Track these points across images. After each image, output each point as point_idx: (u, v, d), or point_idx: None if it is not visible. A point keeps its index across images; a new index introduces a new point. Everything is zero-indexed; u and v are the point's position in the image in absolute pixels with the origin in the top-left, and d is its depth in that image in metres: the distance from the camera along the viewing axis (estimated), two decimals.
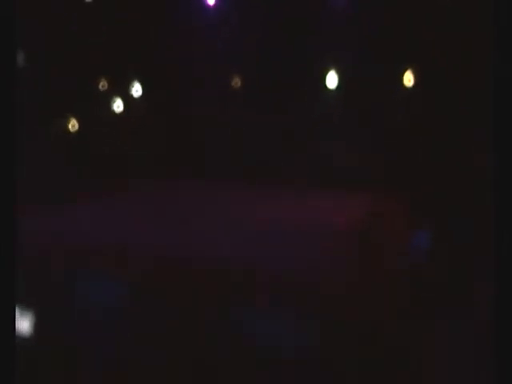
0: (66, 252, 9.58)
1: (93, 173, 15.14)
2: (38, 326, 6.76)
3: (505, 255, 4.07)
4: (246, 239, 10.52)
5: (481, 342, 5.87)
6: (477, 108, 11.06)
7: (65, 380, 6.56)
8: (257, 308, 7.44)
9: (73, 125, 16.18)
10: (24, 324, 6.66)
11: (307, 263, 8.52)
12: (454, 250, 8.76)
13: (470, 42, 11.74)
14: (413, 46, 13.08)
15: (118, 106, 16.23)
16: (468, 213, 9.55)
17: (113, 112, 16.25)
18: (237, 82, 15.70)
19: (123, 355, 6.87)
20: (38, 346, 6.89)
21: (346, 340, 6.73)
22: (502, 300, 4.05)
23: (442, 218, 10.09)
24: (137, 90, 16.10)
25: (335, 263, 8.51)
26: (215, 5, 14.93)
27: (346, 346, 6.65)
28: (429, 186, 11.91)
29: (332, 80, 14.21)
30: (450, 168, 12.18)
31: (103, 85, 16.37)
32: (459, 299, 7.33)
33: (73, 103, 15.78)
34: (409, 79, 13.64)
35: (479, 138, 9.83)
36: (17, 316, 6.28)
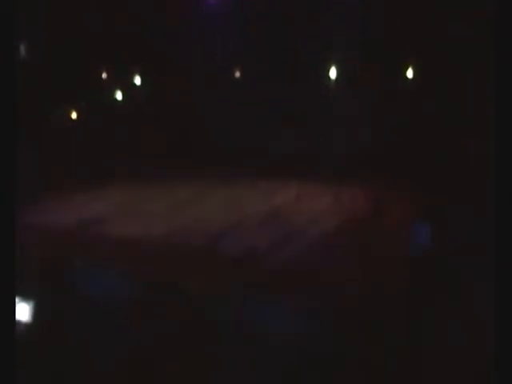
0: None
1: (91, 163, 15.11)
2: (37, 315, 6.77)
3: (505, 246, 4.07)
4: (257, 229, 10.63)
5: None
6: (477, 100, 11.00)
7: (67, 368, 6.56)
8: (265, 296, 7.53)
9: (75, 114, 16.18)
10: (23, 313, 6.68)
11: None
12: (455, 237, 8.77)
13: (470, 36, 11.68)
14: (413, 39, 13.06)
15: (119, 95, 16.21)
16: (468, 202, 9.54)
17: (115, 101, 16.22)
18: (237, 73, 15.71)
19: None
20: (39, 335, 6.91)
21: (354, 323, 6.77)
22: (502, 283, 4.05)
23: (444, 207, 10.07)
24: (137, 80, 16.07)
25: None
26: None
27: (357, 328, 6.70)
28: (432, 176, 11.89)
29: (333, 72, 14.16)
30: (451, 159, 12.14)
31: (107, 75, 16.38)
32: (460, 287, 7.35)
33: (75, 93, 15.75)
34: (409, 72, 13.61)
35: (480, 131, 9.81)
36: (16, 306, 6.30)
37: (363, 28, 13.32)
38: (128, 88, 15.87)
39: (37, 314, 6.64)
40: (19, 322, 6.25)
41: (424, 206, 10.85)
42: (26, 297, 6.59)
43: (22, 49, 14.97)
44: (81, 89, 15.39)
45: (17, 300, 6.14)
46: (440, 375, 5.80)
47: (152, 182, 14.95)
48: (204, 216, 11.75)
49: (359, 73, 14.02)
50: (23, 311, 6.60)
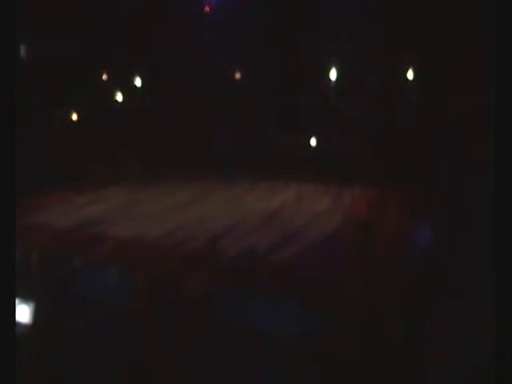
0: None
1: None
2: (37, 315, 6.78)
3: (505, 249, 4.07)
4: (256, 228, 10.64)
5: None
6: (478, 103, 10.99)
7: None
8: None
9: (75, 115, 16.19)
10: (23, 315, 6.68)
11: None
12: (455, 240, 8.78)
13: (470, 36, 11.69)
14: (413, 39, 13.07)
15: (119, 96, 16.23)
16: (468, 206, 9.55)
17: (116, 102, 16.22)
18: (237, 74, 15.72)
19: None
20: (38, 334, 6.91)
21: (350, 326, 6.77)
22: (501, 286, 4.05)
23: (442, 211, 10.08)
24: (138, 81, 16.08)
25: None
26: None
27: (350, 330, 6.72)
28: (432, 176, 11.88)
29: (333, 73, 14.18)
30: (452, 160, 12.14)
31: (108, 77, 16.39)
32: (459, 290, 7.36)
33: (76, 93, 15.76)
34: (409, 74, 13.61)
35: (480, 131, 9.82)
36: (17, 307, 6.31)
37: (363, 28, 13.33)
38: (128, 89, 15.89)
39: (37, 314, 6.64)
40: (19, 323, 6.25)
41: (424, 206, 10.85)
42: (25, 297, 6.59)
43: (22, 49, 14.99)
44: (81, 89, 15.40)
45: (17, 301, 6.14)
46: (440, 375, 5.80)
47: (152, 183, 14.97)
48: (204, 216, 11.78)
49: (359, 73, 14.04)
50: (23, 313, 6.60)
